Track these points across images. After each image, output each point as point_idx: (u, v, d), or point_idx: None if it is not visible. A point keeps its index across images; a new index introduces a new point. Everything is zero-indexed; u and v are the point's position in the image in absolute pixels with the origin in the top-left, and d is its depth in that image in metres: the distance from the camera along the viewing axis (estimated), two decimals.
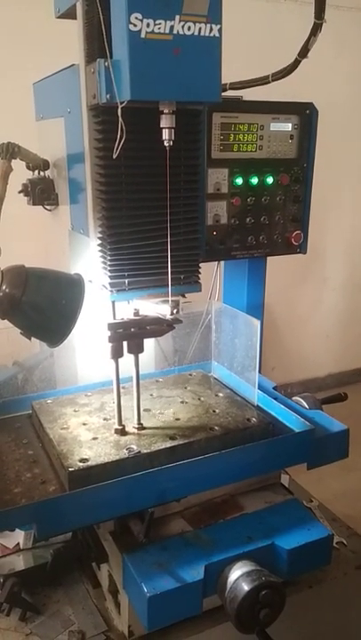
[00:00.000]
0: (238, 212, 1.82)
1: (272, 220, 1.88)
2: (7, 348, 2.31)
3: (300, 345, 4.94)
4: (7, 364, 2.42)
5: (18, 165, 1.58)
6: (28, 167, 1.84)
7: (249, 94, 1.82)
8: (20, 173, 1.73)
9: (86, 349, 1.86)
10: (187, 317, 1.81)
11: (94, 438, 1.59)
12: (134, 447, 1.53)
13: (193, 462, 1.47)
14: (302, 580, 1.64)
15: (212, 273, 2.07)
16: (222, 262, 2.05)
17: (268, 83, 1.77)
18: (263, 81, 1.78)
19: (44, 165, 1.84)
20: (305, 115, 1.85)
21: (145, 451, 1.52)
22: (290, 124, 1.84)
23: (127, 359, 1.62)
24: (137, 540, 1.46)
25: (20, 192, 1.81)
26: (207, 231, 1.79)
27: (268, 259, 2.00)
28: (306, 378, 5.01)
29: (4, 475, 1.50)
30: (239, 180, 1.80)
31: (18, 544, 1.82)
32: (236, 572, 1.39)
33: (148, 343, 1.65)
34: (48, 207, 1.89)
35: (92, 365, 1.91)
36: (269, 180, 1.84)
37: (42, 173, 1.86)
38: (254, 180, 1.82)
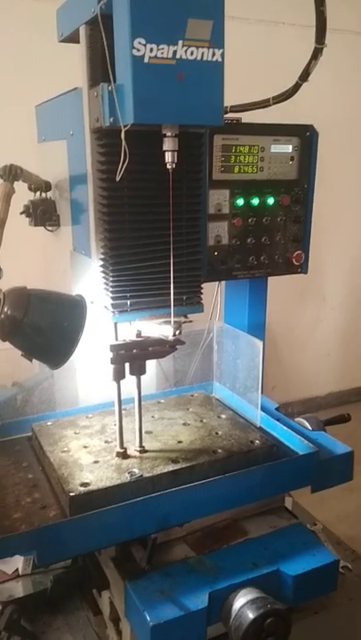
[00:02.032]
0: (239, 233, 1.83)
1: (273, 240, 1.88)
2: (7, 369, 2.30)
3: (301, 364, 4.92)
4: (7, 384, 2.41)
5: (19, 187, 1.58)
6: (30, 188, 1.84)
7: (247, 115, 1.84)
8: (22, 194, 1.73)
9: (86, 370, 1.84)
10: (187, 337, 1.79)
11: (95, 462, 1.57)
12: (136, 471, 1.51)
13: (196, 486, 1.45)
14: (308, 606, 1.61)
15: (212, 293, 2.06)
16: (223, 282, 2.04)
17: (269, 106, 1.79)
18: (264, 104, 1.80)
19: (46, 187, 1.84)
20: (305, 137, 1.86)
21: (147, 474, 1.49)
22: (290, 146, 1.85)
23: (128, 380, 1.60)
24: (139, 567, 1.43)
25: (21, 213, 1.82)
26: (208, 251, 1.79)
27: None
28: (306, 397, 4.98)
29: (3, 499, 1.48)
30: (240, 201, 1.80)
31: (17, 570, 1.78)
32: (241, 600, 1.36)
33: (150, 364, 1.64)
34: (50, 228, 1.89)
35: (92, 387, 1.89)
36: (270, 200, 1.85)
37: (44, 194, 1.86)
38: (255, 201, 1.83)
